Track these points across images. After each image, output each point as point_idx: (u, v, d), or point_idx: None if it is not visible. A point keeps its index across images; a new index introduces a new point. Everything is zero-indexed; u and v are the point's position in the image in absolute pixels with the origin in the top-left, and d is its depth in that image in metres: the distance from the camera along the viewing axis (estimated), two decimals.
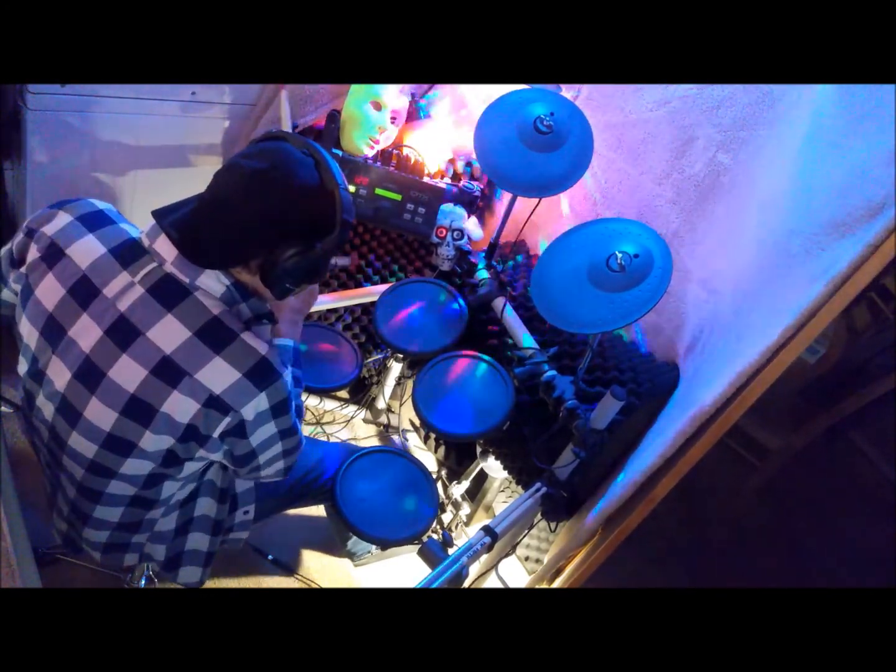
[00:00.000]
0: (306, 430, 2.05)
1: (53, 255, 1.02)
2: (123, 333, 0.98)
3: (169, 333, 0.97)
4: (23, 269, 1.05)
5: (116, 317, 0.98)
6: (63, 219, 1.04)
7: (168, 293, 0.99)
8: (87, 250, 1.02)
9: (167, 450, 1.02)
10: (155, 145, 1.75)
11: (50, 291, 1.02)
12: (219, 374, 0.97)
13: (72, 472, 1.07)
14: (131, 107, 1.63)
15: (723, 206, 1.42)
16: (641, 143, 1.60)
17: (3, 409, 1.37)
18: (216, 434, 1.01)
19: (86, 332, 0.99)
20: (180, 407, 0.97)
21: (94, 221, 1.05)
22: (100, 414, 1.00)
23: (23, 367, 1.08)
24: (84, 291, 1.00)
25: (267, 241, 1.00)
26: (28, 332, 1.05)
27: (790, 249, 1.17)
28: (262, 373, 0.99)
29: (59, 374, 1.02)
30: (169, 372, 0.97)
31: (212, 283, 1.01)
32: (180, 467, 1.07)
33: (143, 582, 1.38)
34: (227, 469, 1.20)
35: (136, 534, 1.17)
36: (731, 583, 1.72)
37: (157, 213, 1.02)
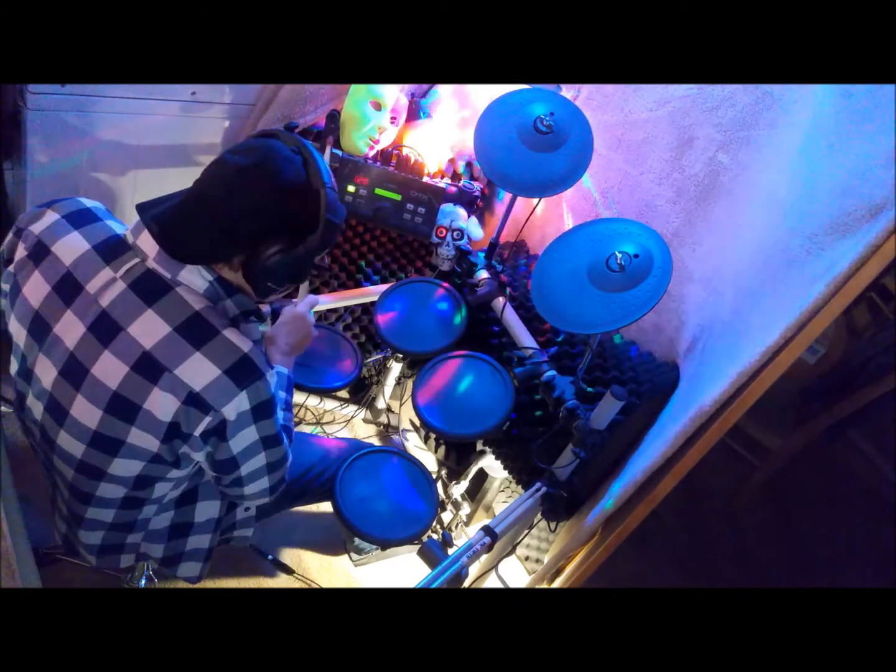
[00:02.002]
0: (306, 430, 2.05)
1: (39, 253, 1.02)
2: (105, 329, 0.97)
3: (149, 329, 0.96)
4: (10, 269, 1.05)
5: (98, 313, 0.98)
6: (50, 217, 1.04)
7: (149, 288, 0.98)
8: (71, 247, 1.01)
9: (154, 452, 1.01)
10: (155, 145, 1.74)
11: (36, 289, 1.01)
12: (198, 371, 0.95)
13: (63, 472, 1.06)
14: (131, 107, 1.63)
15: (723, 206, 1.42)
16: (641, 143, 1.60)
17: (3, 408, 1.38)
18: (197, 433, 0.99)
19: (70, 329, 0.99)
20: (161, 404, 0.96)
21: (81, 219, 1.04)
22: (85, 412, 0.99)
23: (13, 366, 1.08)
24: (68, 288, 0.99)
25: (248, 237, 0.99)
26: (17, 330, 1.04)
27: (790, 249, 1.17)
28: (242, 371, 0.97)
29: (46, 372, 1.01)
30: (149, 368, 0.95)
31: (194, 278, 0.99)
32: (169, 468, 1.06)
33: (143, 582, 1.39)
34: None
35: (130, 533, 1.16)
36: (732, 583, 1.72)
37: (140, 207, 1.01)
